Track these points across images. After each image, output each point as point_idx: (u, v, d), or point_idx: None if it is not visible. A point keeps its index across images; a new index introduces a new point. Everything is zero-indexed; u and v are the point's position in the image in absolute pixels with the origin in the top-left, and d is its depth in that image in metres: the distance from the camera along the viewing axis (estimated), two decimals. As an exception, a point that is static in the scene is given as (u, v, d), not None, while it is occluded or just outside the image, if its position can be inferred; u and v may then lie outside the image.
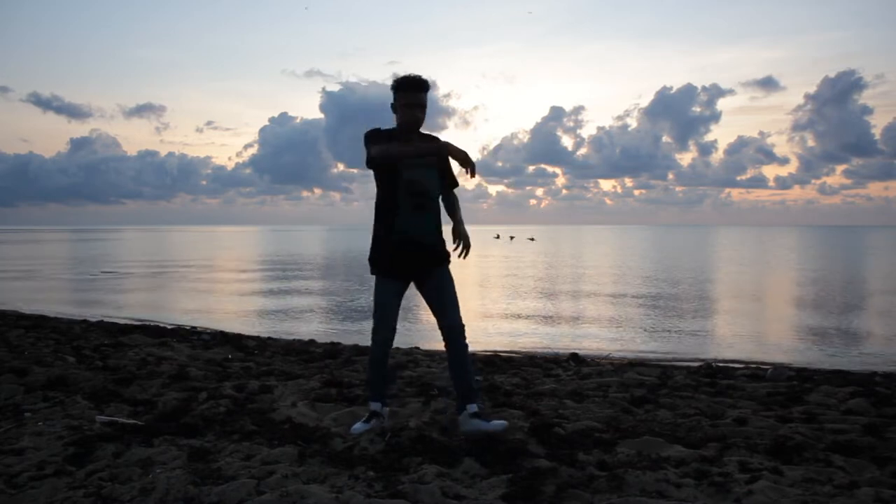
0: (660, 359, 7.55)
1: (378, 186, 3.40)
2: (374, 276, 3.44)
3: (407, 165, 3.29)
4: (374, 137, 3.32)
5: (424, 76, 3.34)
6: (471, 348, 3.46)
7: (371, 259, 3.42)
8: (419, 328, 10.58)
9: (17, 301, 13.36)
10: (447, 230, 3.49)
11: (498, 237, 74.63)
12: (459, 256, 3.43)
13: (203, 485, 2.59)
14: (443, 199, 3.52)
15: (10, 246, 53.38)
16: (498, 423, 3.26)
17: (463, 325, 3.40)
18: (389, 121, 3.44)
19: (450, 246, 3.45)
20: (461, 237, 3.46)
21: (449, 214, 3.56)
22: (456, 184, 3.56)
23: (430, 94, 3.37)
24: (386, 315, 3.40)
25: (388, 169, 3.30)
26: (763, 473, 2.72)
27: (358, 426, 3.36)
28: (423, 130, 3.45)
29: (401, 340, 8.72)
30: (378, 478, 2.70)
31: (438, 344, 3.63)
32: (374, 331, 3.44)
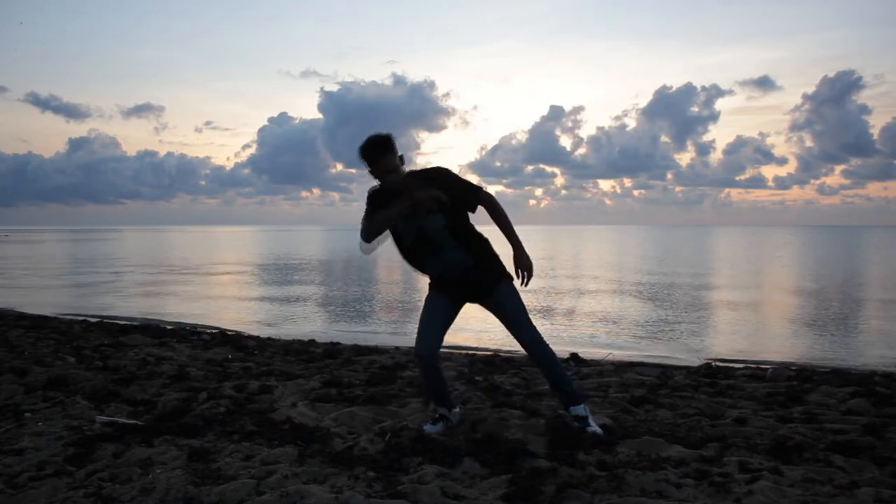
0: (660, 359, 7.55)
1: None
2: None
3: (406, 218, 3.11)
4: (369, 204, 3.17)
5: (380, 134, 3.03)
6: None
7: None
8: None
9: (17, 301, 13.36)
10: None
11: None
12: (523, 285, 3.23)
13: (203, 485, 2.59)
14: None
15: (12, 246, 53.38)
16: (595, 429, 3.29)
17: (540, 338, 3.28)
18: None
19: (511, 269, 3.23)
20: (523, 267, 3.19)
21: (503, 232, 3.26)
22: (472, 201, 3.16)
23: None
24: (423, 331, 3.30)
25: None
26: (763, 473, 2.72)
27: (428, 427, 3.35)
28: (418, 168, 3.23)
29: (401, 340, 8.75)
30: (378, 478, 2.70)
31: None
32: (415, 346, 3.36)
